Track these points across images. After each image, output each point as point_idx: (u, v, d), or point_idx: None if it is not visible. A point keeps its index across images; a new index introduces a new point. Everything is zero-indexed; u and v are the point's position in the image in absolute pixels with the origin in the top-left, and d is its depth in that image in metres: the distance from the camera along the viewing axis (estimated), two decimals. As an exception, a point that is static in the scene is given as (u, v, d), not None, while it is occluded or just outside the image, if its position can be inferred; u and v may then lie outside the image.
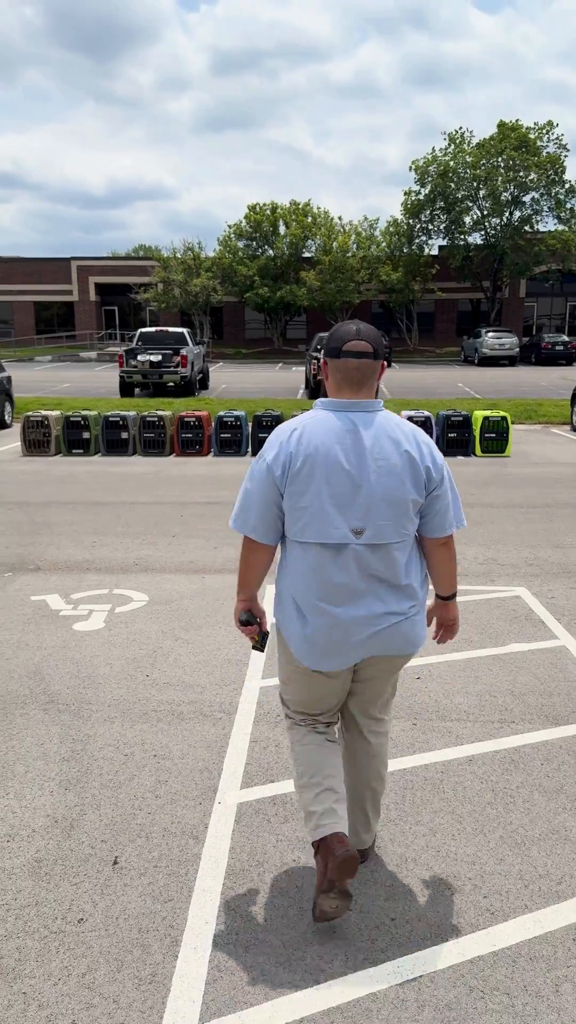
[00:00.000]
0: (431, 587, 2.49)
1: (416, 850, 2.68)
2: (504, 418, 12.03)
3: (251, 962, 2.19)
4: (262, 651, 2.47)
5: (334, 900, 2.21)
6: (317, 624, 2.25)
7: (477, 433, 11.98)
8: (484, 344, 32.67)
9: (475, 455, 11.94)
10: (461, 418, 12.14)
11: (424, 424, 12.11)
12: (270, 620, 2.45)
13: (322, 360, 2.35)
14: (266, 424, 12.09)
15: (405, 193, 38.88)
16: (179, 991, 2.09)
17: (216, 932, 2.30)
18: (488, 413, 12.16)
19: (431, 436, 12.05)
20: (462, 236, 38.79)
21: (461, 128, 38.63)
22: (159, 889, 2.49)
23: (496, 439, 12.00)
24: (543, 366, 32.29)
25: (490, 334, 33.10)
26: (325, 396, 2.33)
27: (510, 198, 37.61)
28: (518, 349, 33.00)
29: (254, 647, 2.45)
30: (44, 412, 12.19)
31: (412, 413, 12.33)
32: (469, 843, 2.72)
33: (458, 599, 2.63)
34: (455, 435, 12.10)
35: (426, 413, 12.35)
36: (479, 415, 12.11)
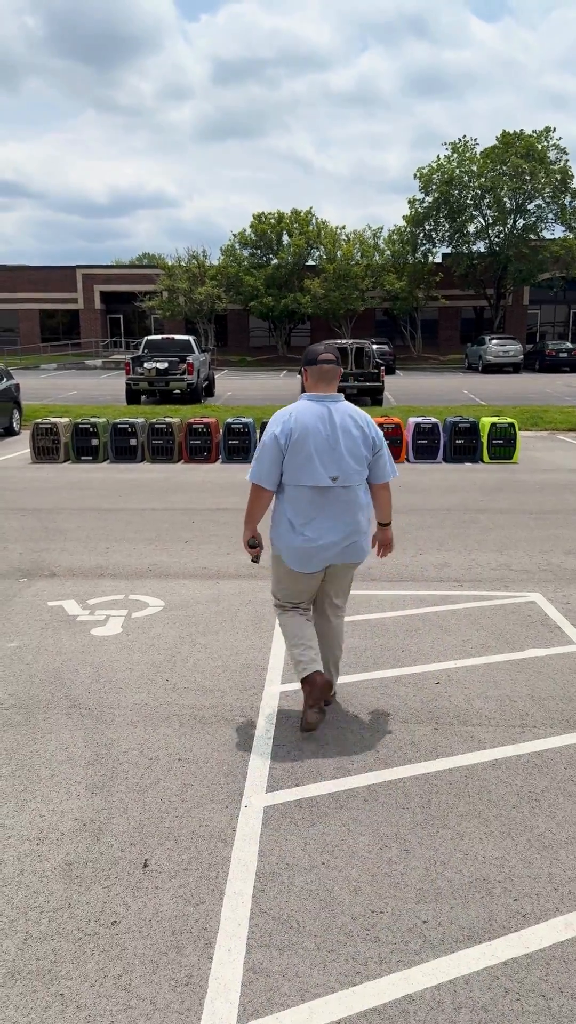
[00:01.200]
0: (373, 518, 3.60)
1: (444, 853, 2.68)
2: (512, 425, 12.05)
3: (286, 964, 2.20)
4: (257, 563, 3.66)
5: (316, 714, 3.42)
6: (304, 540, 3.39)
7: (485, 440, 12.00)
8: (488, 351, 32.73)
9: (483, 462, 11.96)
10: (468, 425, 12.16)
11: (431, 430, 12.15)
12: (267, 541, 3.58)
13: (303, 368, 3.50)
14: (274, 431, 12.14)
15: (410, 202, 39.07)
16: (215, 993, 2.10)
17: (249, 934, 2.31)
18: (495, 420, 12.18)
19: (439, 442, 12.15)
20: (466, 244, 38.92)
21: (464, 137, 38.81)
22: (190, 892, 2.50)
23: (504, 445, 12.02)
24: (547, 373, 32.35)
25: (494, 341, 33.16)
26: (304, 393, 3.50)
27: (515, 206, 37.75)
28: (522, 356, 33.06)
29: (253, 560, 3.60)
30: (53, 419, 12.24)
31: (419, 420, 12.36)
32: (497, 846, 2.72)
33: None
34: (462, 441, 12.11)
35: (433, 420, 12.38)
36: (486, 422, 12.13)
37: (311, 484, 3.34)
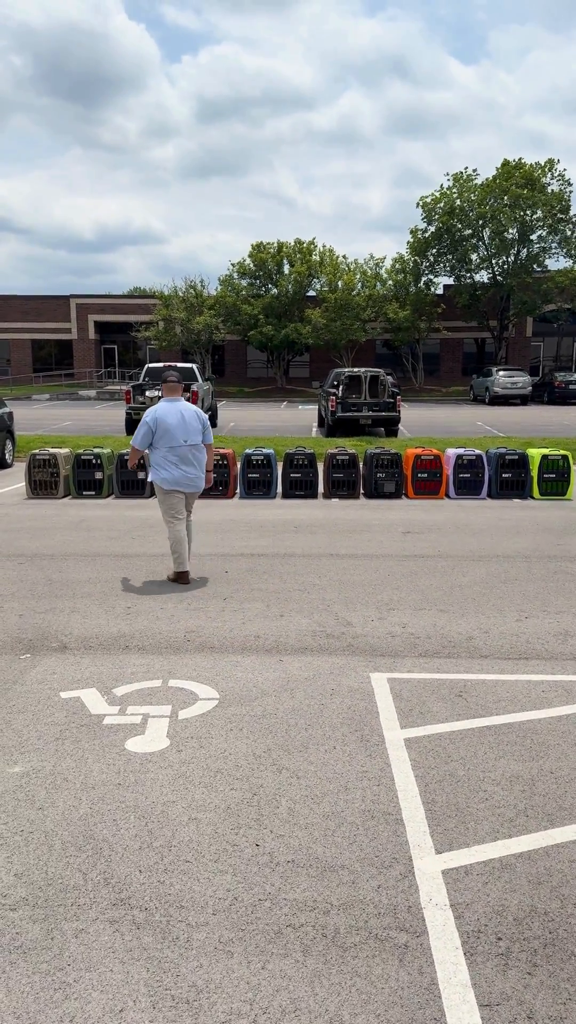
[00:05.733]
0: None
1: None
2: (565, 457, 10.80)
3: None
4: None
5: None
6: (174, 474, 6.14)
7: (535, 473, 10.74)
8: (496, 383, 31.75)
9: (532, 498, 10.68)
10: (516, 457, 10.89)
11: (475, 463, 10.86)
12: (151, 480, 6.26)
13: (162, 383, 6.39)
14: (298, 463, 10.82)
15: (412, 231, 38.43)
16: None
17: None
18: (547, 452, 10.93)
19: (483, 476, 10.86)
20: (468, 275, 38.24)
21: (467, 168, 38.20)
22: None
23: (556, 480, 10.76)
24: (555, 405, 31.36)
25: (502, 373, 32.21)
26: (163, 397, 6.39)
27: (516, 237, 37.17)
28: (530, 388, 32.13)
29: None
30: (52, 450, 10.87)
31: (461, 451, 11.09)
32: None
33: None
34: (510, 475, 10.81)
35: (476, 451, 11.10)
36: (536, 454, 10.88)
37: (173, 445, 6.09)
